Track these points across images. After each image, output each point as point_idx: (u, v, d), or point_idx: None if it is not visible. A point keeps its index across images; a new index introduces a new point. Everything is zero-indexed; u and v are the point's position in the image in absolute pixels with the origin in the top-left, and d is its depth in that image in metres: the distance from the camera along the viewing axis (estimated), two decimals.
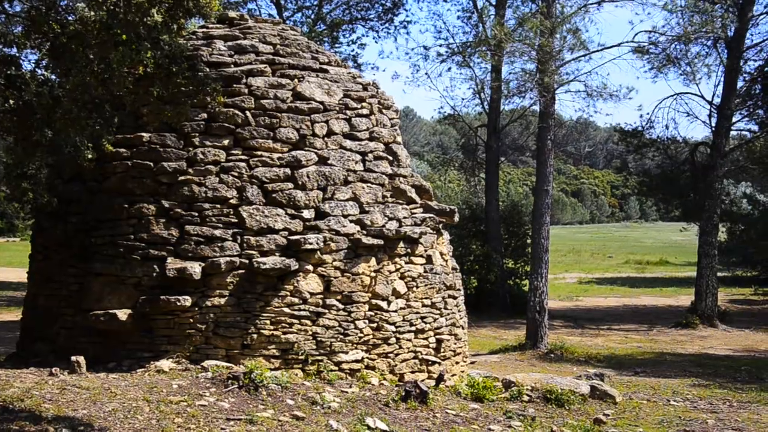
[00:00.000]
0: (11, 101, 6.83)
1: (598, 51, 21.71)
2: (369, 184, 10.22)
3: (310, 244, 9.36)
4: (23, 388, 7.58)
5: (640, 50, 21.34)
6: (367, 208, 10.08)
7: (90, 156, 7.93)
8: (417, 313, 10.27)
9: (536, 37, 18.96)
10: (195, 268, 8.93)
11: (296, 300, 9.32)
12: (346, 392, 8.58)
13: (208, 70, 9.37)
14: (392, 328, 9.95)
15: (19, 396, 7.24)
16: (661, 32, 21.31)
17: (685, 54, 23.01)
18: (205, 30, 10.68)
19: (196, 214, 9.28)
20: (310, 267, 9.44)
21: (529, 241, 24.32)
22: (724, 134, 23.59)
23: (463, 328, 11.25)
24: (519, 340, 18.89)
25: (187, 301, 8.92)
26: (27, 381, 7.95)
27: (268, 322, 9.17)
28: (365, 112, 10.59)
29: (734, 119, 24.34)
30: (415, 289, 10.29)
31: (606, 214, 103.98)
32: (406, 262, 10.28)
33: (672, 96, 25.56)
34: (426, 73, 27.97)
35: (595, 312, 25.88)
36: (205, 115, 9.57)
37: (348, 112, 10.39)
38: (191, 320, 9.01)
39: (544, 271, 18.90)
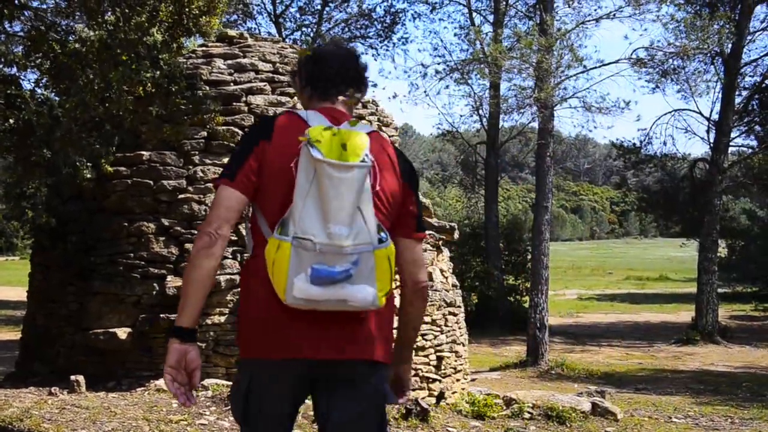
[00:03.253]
0: (11, 120, 6.85)
1: (596, 68, 21.81)
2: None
3: None
4: (22, 407, 7.54)
5: (639, 64, 21.42)
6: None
7: (89, 176, 7.94)
8: None
9: (530, 53, 19.04)
10: None
11: None
12: None
13: (207, 88, 9.41)
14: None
15: (19, 416, 7.20)
16: (658, 48, 21.38)
17: (682, 70, 23.09)
18: (204, 48, 10.72)
19: (196, 232, 9.27)
20: None
21: (529, 257, 24.30)
22: (723, 150, 23.61)
23: (463, 345, 11.22)
24: (519, 357, 18.84)
25: None
26: (26, 400, 7.92)
27: None
28: None
29: (732, 135, 24.39)
30: None
31: (606, 231, 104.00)
32: None
33: (670, 112, 25.63)
34: (425, 91, 28.07)
35: (595, 328, 25.83)
36: (204, 134, 9.59)
37: None
38: None
39: (544, 287, 18.88)
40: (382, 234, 2.48)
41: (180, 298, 2.52)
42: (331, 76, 2.70)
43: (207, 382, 8.74)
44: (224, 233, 2.49)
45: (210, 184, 9.41)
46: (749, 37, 23.89)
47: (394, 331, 2.89)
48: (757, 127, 25.68)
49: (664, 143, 29.29)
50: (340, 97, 2.71)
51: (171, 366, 2.50)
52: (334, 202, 2.36)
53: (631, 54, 21.37)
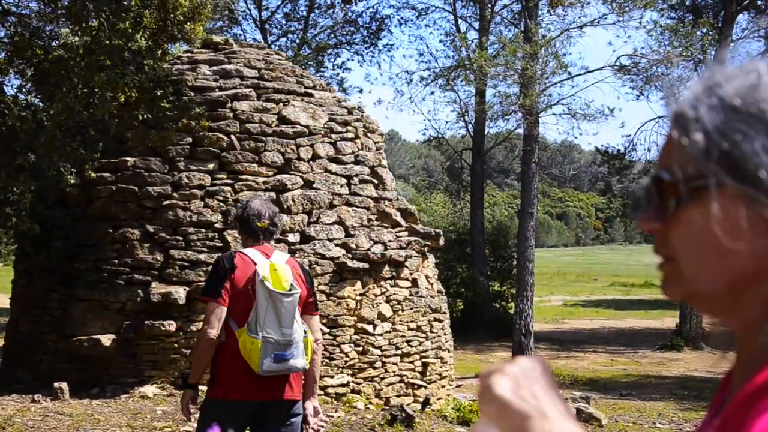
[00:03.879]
0: None
1: (580, 75, 21.89)
2: (354, 208, 10.22)
3: None
4: (5, 415, 7.49)
5: (623, 71, 21.53)
6: (352, 232, 10.08)
7: (72, 181, 7.91)
8: (403, 336, 10.25)
9: (515, 60, 19.12)
10: (180, 293, 8.89)
11: None
12: (332, 417, 8.52)
13: (192, 94, 9.40)
14: (378, 351, 9.92)
15: (1, 424, 7.16)
16: (642, 55, 21.52)
17: (666, 77, 23.23)
18: (190, 55, 10.70)
19: (181, 238, 9.25)
20: None
21: (514, 263, 24.34)
22: None
23: (449, 352, 11.23)
24: None
25: (171, 325, 8.87)
26: (9, 408, 7.86)
27: None
28: (350, 135, 10.62)
29: None
30: (400, 312, 10.27)
31: (591, 237, 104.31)
32: (392, 286, 10.27)
33: (654, 119, 25.71)
34: (410, 98, 28.06)
35: (580, 334, 25.89)
36: (190, 140, 9.57)
37: (333, 135, 10.41)
38: (176, 345, 8.95)
39: (529, 293, 18.94)
40: (304, 327, 4.34)
41: (192, 361, 4.78)
42: (260, 231, 4.50)
43: None
44: (219, 332, 4.20)
45: (195, 191, 9.39)
46: (732, 45, 24.07)
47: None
48: None
49: (649, 150, 29.35)
50: (265, 242, 4.54)
51: (187, 405, 4.47)
52: (284, 314, 4.21)
53: (615, 61, 21.49)
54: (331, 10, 27.81)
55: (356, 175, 10.44)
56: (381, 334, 9.98)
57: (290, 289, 4.26)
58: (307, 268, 4.76)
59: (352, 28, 28.02)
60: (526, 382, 0.93)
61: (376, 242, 10.25)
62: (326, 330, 9.53)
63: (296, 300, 4.27)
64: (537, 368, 0.97)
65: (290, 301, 4.24)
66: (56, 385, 8.44)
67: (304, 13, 27.93)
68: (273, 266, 4.29)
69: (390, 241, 10.43)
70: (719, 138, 0.88)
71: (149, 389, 8.69)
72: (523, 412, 0.91)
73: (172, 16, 6.57)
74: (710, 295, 0.93)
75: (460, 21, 27.41)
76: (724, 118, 0.89)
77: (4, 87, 7.27)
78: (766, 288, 0.87)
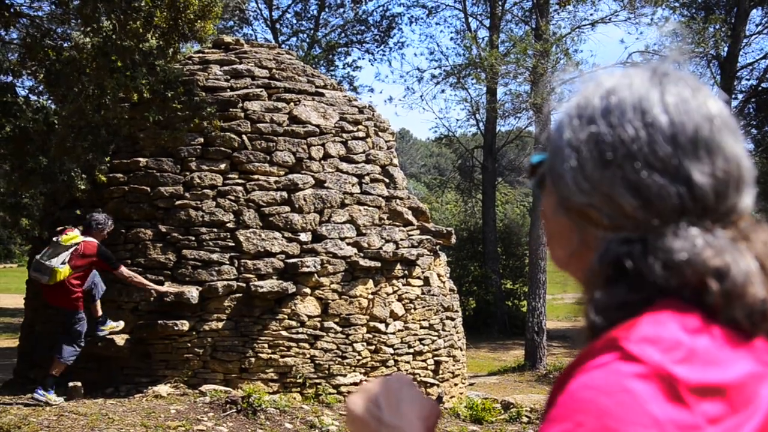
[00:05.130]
0: (7, 128, 6.85)
1: (591, 72, 21.75)
2: (366, 207, 10.22)
3: (308, 267, 9.34)
4: (20, 415, 7.53)
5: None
6: (364, 231, 10.08)
7: (83, 187, 7.95)
8: (415, 335, 10.25)
9: (526, 58, 19.07)
10: (192, 293, 8.91)
11: (294, 323, 9.30)
12: (345, 415, 8.52)
13: (204, 94, 9.42)
14: (390, 350, 9.92)
15: (17, 423, 7.19)
16: (654, 51, 21.42)
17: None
18: (201, 55, 10.73)
19: (194, 238, 9.28)
20: (307, 290, 9.43)
21: (527, 261, 24.27)
22: None
23: (461, 350, 11.22)
24: (518, 362, 18.83)
25: (184, 325, 8.90)
26: (24, 408, 7.91)
27: (266, 345, 9.15)
28: (361, 134, 10.62)
29: None
30: (412, 311, 10.27)
31: None
32: (404, 284, 10.26)
33: None
34: (421, 96, 28.05)
35: None
36: (201, 140, 9.59)
37: (344, 135, 10.41)
38: (189, 345, 8.98)
39: (541, 291, 18.89)
40: (64, 266, 7.99)
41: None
42: (84, 224, 8.41)
43: (204, 387, 8.73)
44: None
45: (207, 190, 9.43)
46: (745, 41, 23.93)
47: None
48: (754, 131, 25.70)
49: None
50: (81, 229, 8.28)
51: None
52: (50, 253, 8.07)
53: (627, 58, 21.39)
54: (342, 9, 27.85)
55: (367, 174, 10.44)
56: (393, 333, 9.99)
57: (66, 243, 8.01)
58: (104, 248, 8.35)
59: (362, 27, 28.05)
60: (383, 398, 1.10)
61: (387, 241, 10.25)
62: (338, 329, 9.55)
63: (63, 248, 7.98)
64: (396, 385, 1.12)
65: (60, 247, 7.97)
66: (70, 384, 8.48)
67: (315, 12, 27.99)
68: (70, 236, 8.05)
69: (402, 239, 10.43)
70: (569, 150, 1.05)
71: (163, 388, 8.72)
72: (369, 425, 1.11)
73: (182, 15, 6.59)
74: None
75: (470, 19, 27.33)
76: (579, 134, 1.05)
77: (17, 88, 7.31)
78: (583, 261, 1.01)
